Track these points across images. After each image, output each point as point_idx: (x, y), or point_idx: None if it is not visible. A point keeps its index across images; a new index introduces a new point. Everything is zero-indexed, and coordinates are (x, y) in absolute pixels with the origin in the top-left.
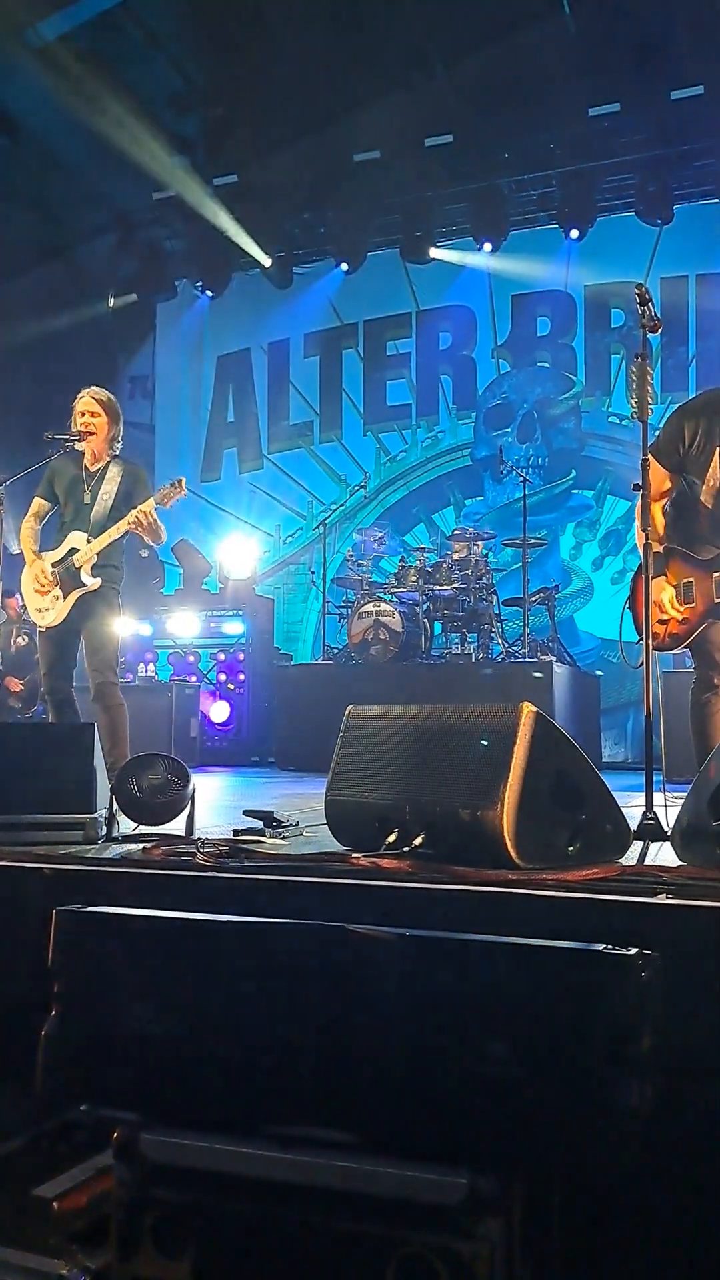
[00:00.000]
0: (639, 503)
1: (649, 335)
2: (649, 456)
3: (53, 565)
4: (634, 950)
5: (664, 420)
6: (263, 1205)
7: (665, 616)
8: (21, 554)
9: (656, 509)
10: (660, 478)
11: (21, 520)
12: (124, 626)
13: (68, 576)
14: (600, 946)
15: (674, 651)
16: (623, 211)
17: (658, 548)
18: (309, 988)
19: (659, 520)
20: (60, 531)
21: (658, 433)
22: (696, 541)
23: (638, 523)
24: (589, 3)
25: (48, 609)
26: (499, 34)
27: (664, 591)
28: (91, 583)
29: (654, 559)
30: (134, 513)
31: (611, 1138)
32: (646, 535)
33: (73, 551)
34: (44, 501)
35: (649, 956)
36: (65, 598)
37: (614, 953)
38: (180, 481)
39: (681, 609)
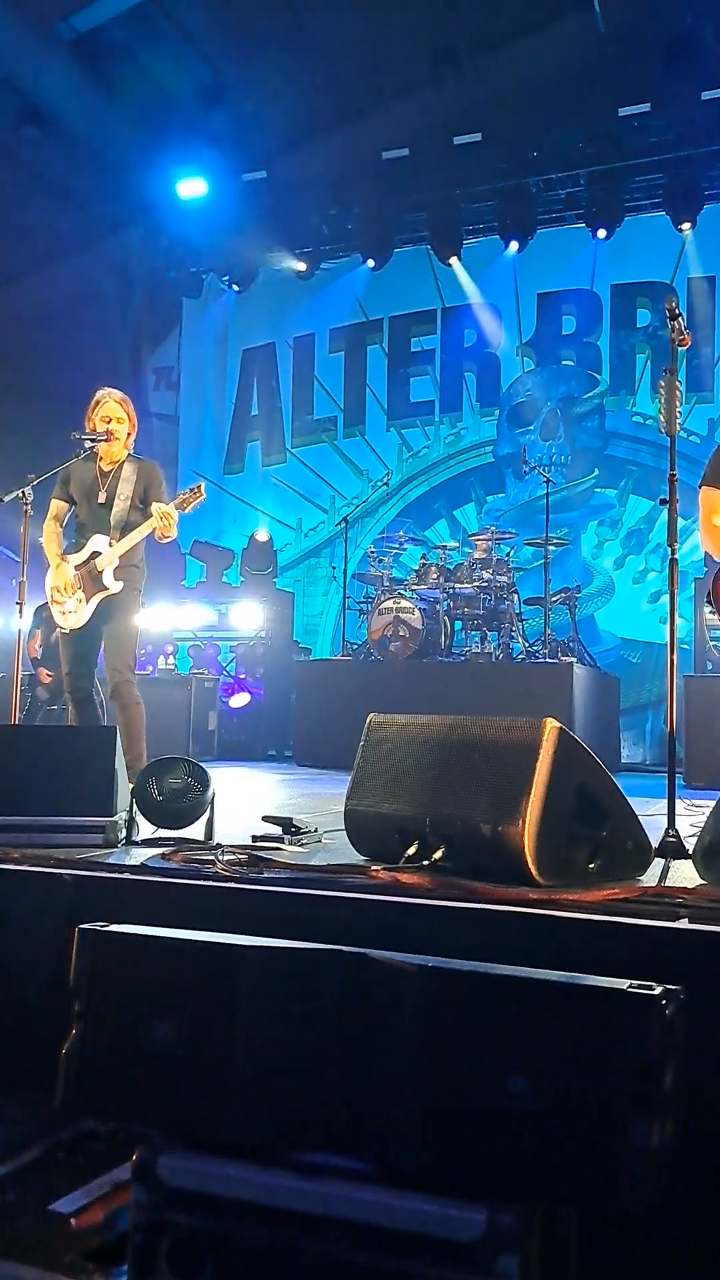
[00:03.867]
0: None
1: (678, 349)
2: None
3: (76, 568)
4: (658, 988)
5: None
6: (280, 1234)
7: None
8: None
9: None
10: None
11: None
12: (144, 620)
13: (90, 579)
14: (625, 984)
15: None
16: (650, 211)
17: None
18: (330, 1014)
19: None
20: (79, 534)
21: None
22: None
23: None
24: (619, 1)
25: (71, 612)
26: (528, 32)
27: None
28: (115, 586)
29: None
30: (156, 515)
31: (631, 1175)
32: (673, 550)
33: (95, 554)
34: (62, 503)
35: (672, 992)
36: (88, 600)
37: (638, 992)
38: (199, 486)
39: None
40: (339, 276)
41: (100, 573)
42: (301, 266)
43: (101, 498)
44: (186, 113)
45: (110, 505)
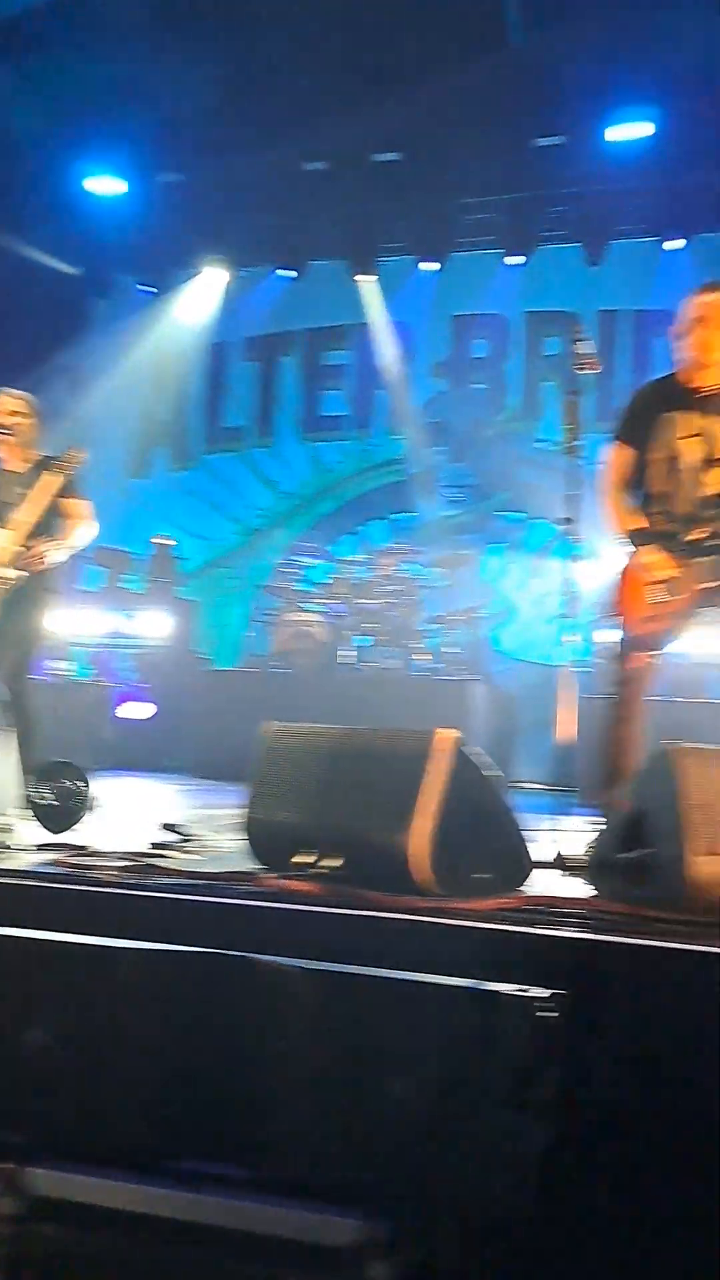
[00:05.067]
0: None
1: (583, 373)
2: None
3: None
4: (539, 992)
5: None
6: (153, 1242)
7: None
8: None
9: None
10: None
11: None
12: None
13: None
14: (505, 988)
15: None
16: (562, 242)
17: None
18: (210, 1019)
19: None
20: None
21: None
22: None
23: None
24: (538, 38)
25: None
26: (450, 60)
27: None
28: (12, 574)
29: None
30: (41, 549)
31: (509, 1181)
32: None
33: None
34: None
35: (555, 996)
36: None
37: (518, 995)
38: (72, 450)
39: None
40: (255, 285)
41: None
42: (218, 272)
43: (14, 498)
44: (104, 110)
45: (16, 504)
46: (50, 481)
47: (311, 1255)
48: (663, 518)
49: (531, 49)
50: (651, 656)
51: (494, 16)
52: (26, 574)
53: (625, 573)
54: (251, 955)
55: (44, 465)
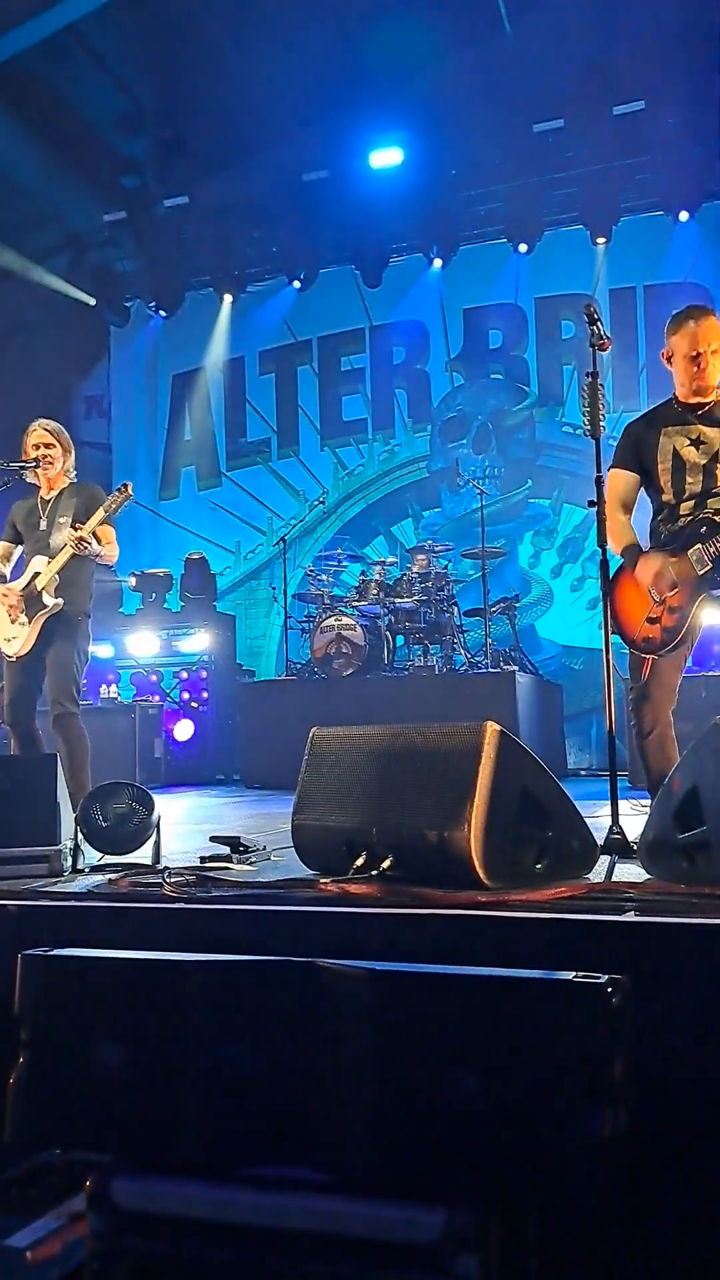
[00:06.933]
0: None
1: (599, 353)
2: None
3: (20, 592)
4: (604, 978)
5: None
6: (238, 1250)
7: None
8: None
9: None
10: None
11: None
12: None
13: (31, 601)
14: (570, 975)
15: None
16: (569, 225)
17: None
18: (278, 1025)
19: None
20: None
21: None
22: None
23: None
24: (530, 22)
25: (14, 637)
26: (442, 53)
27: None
28: (52, 603)
29: None
30: (69, 539)
31: (586, 1167)
32: (604, 552)
33: (35, 576)
34: (8, 544)
35: (618, 982)
36: (30, 623)
37: (583, 981)
38: (126, 486)
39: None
40: (266, 299)
41: (39, 592)
42: (228, 290)
43: (43, 525)
44: (106, 141)
45: (50, 531)
46: (100, 517)
47: (398, 1254)
48: (669, 524)
49: (524, 32)
50: (662, 655)
51: (487, 5)
52: (63, 603)
53: (621, 585)
54: (315, 960)
55: (76, 493)
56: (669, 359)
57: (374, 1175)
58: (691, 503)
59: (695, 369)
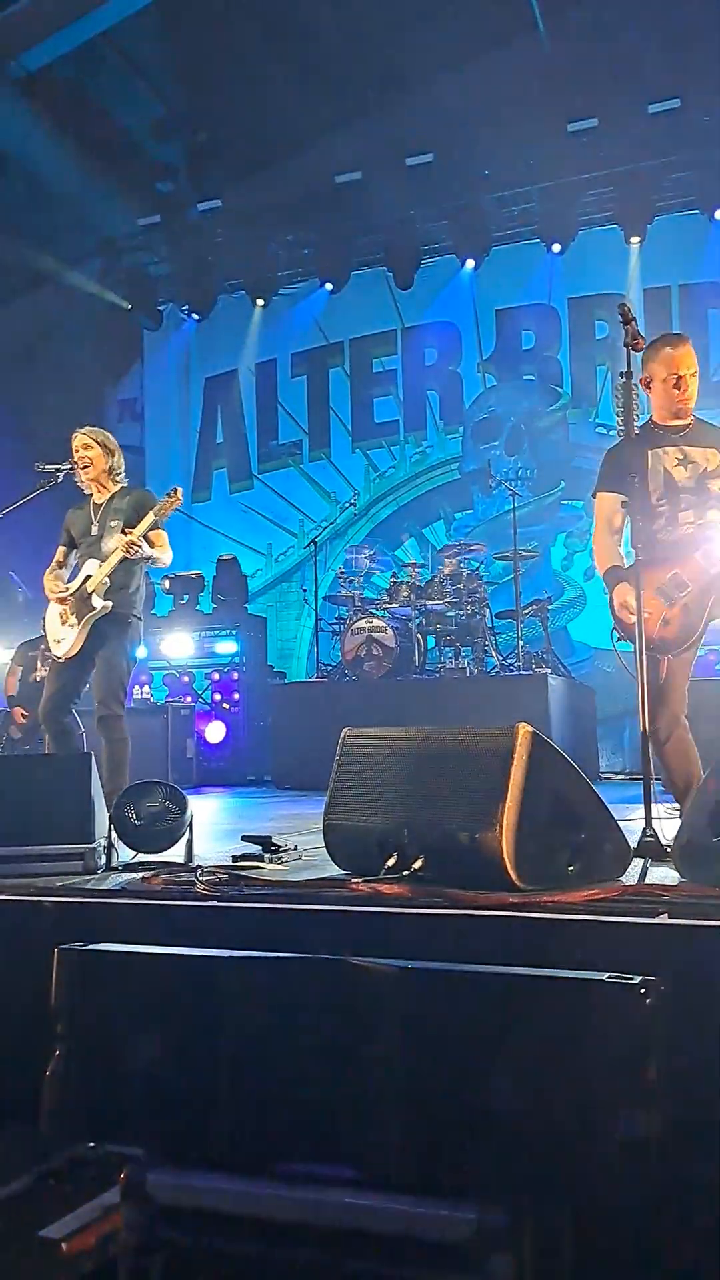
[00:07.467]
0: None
1: (633, 353)
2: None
3: (72, 595)
4: (638, 979)
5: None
6: (271, 1245)
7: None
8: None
9: None
10: None
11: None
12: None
13: (81, 603)
14: (604, 976)
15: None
16: (603, 225)
17: None
18: (311, 1022)
19: None
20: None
21: None
22: None
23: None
24: (563, 21)
25: (63, 639)
26: (474, 54)
27: None
28: (101, 605)
29: None
30: (119, 543)
31: (621, 1168)
32: (638, 553)
33: (87, 579)
34: (62, 548)
35: (652, 983)
36: (79, 624)
37: (618, 982)
38: (176, 491)
39: None
40: (298, 301)
41: (89, 595)
42: (260, 293)
43: (94, 529)
44: (140, 146)
45: (101, 535)
46: (151, 521)
47: (430, 1252)
48: (667, 533)
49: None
50: (675, 655)
51: (521, 4)
52: (112, 605)
53: (617, 599)
54: (348, 958)
55: (125, 495)
56: (648, 384)
57: (406, 1173)
58: (690, 513)
59: (676, 392)
